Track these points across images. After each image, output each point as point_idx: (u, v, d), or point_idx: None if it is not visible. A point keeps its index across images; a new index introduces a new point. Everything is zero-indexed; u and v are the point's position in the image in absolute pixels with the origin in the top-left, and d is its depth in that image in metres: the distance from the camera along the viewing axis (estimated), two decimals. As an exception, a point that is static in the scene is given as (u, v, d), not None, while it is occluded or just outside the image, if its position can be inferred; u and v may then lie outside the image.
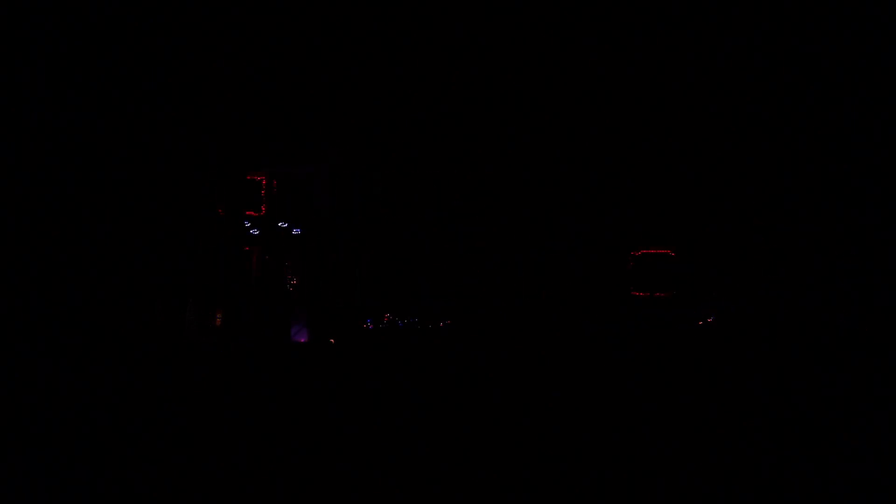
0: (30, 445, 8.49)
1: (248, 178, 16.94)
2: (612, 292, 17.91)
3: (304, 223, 17.93)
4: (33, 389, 12.08)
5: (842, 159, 17.07)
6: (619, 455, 8.46)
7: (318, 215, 17.82)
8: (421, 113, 18.33)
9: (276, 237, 17.86)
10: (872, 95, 16.92)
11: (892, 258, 16.66)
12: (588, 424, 10.21)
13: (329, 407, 11.48)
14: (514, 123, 18.24)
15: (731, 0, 17.35)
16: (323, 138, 18.20)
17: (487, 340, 16.99)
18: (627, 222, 18.13)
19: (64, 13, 16.54)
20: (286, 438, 9.22)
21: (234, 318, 16.99)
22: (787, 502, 7.00)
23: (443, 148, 18.40)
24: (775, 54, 17.38)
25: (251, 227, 17.74)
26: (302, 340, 17.59)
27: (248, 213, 17.89)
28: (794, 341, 16.24)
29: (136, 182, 17.26)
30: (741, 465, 8.02)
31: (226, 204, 17.75)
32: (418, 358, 16.16)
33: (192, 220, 17.52)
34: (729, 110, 17.77)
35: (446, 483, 7.35)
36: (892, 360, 14.88)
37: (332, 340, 17.45)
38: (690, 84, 17.75)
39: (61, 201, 16.64)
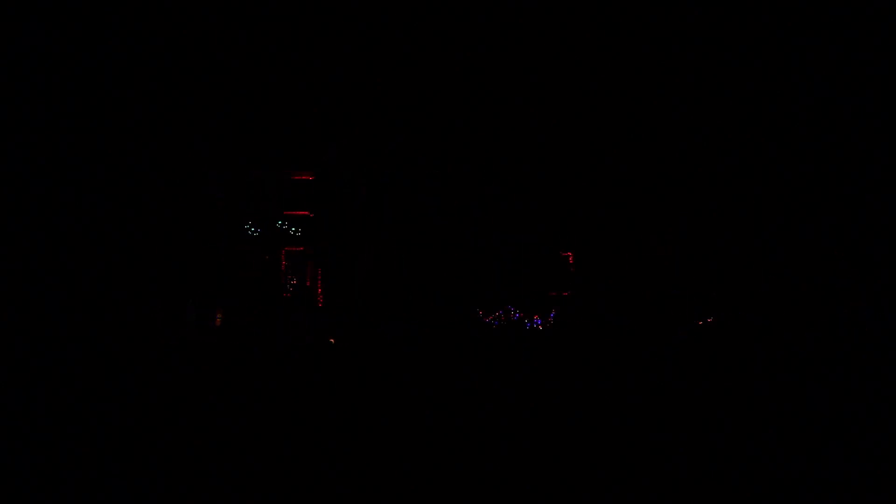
0: (28, 445, 8.46)
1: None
2: (614, 291, 17.91)
3: (304, 223, 17.94)
4: (31, 389, 12.05)
5: (846, 158, 17.06)
6: (620, 455, 8.44)
7: (318, 215, 17.82)
8: (421, 113, 18.31)
9: (276, 237, 17.86)
10: (872, 95, 16.92)
11: (893, 258, 16.65)
12: (593, 425, 10.18)
13: (329, 407, 11.45)
14: (516, 123, 18.23)
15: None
16: (324, 138, 18.18)
17: (489, 340, 16.98)
18: (629, 221, 18.11)
19: (65, 13, 16.52)
20: (286, 438, 9.19)
21: (234, 318, 16.97)
22: (791, 502, 6.98)
23: (443, 148, 18.39)
24: (775, 53, 17.38)
25: (252, 227, 17.72)
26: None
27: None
28: (794, 341, 16.23)
29: (137, 182, 17.24)
30: (744, 466, 8.00)
31: (226, 204, 17.73)
32: (420, 358, 16.14)
33: (193, 220, 17.51)
34: (729, 109, 17.76)
35: (450, 484, 7.33)
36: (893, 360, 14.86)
37: (331, 340, 17.44)
38: (693, 83, 17.74)
39: (61, 201, 16.62)
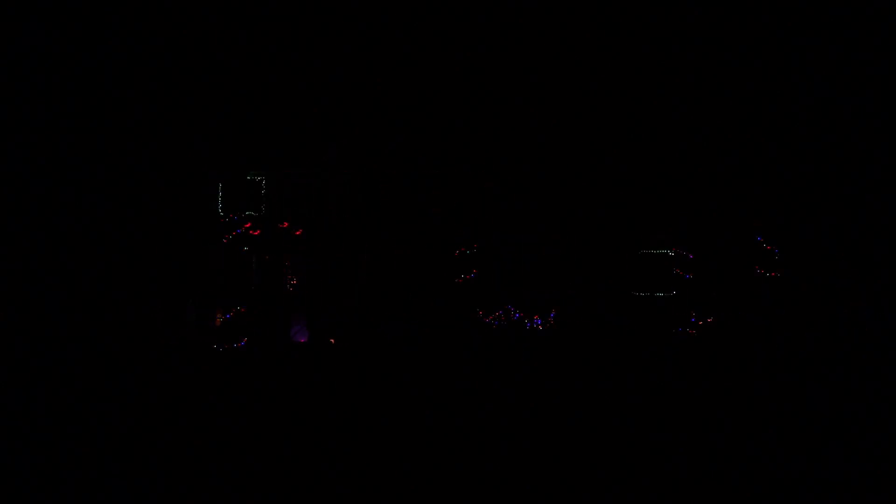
0: (29, 445, 8.46)
1: None
2: (614, 292, 17.90)
3: (305, 223, 17.92)
4: (32, 389, 12.06)
5: (846, 158, 17.06)
6: (620, 455, 8.44)
7: (318, 215, 17.81)
8: (421, 113, 18.31)
9: (277, 237, 17.84)
10: (872, 95, 16.93)
11: (893, 258, 16.65)
12: (593, 425, 10.18)
13: (329, 407, 11.46)
14: (516, 123, 18.23)
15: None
16: (324, 138, 18.18)
17: (489, 340, 16.98)
18: (630, 221, 18.10)
19: (65, 13, 16.53)
20: (286, 438, 9.19)
21: (234, 318, 16.96)
22: (791, 502, 6.98)
23: (443, 148, 18.38)
24: (775, 53, 17.39)
25: (252, 227, 17.71)
26: (302, 340, 17.56)
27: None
28: (794, 341, 16.24)
29: (136, 182, 17.24)
30: (744, 466, 8.00)
31: (226, 204, 17.72)
32: (420, 358, 16.14)
33: (193, 221, 17.50)
34: (728, 108, 17.76)
35: (450, 484, 7.33)
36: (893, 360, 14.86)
37: (332, 340, 17.44)
38: (690, 81, 17.73)
39: (61, 201, 16.63)
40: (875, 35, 16.80)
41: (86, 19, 16.73)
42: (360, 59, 18.18)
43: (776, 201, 17.31)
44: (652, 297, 17.97)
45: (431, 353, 16.53)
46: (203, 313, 17.42)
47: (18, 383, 12.41)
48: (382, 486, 7.08)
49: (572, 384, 13.38)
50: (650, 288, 18.08)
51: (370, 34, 18.04)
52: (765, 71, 17.57)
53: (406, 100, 18.47)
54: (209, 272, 17.34)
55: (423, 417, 10.19)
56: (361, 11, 17.87)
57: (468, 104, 18.40)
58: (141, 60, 17.18)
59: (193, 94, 17.62)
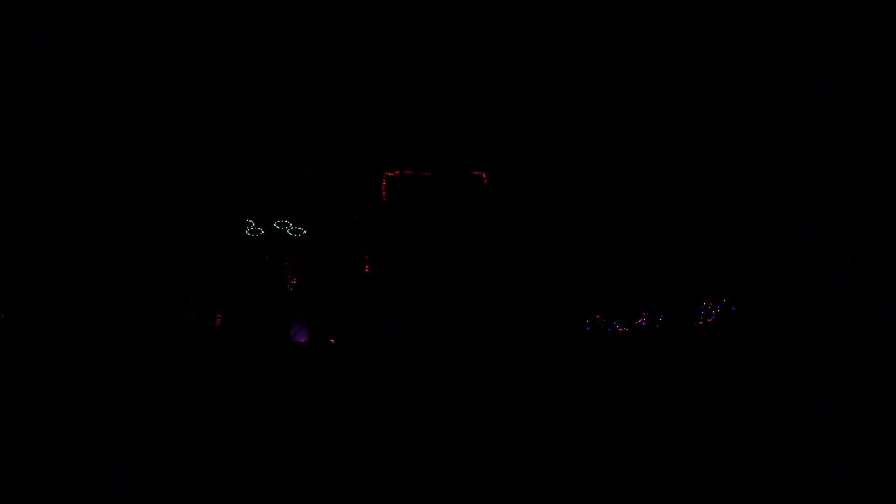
0: (28, 445, 8.46)
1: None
2: (611, 290, 17.90)
3: (304, 223, 17.91)
4: (31, 389, 12.06)
5: (846, 158, 17.06)
6: (620, 455, 8.43)
7: (318, 215, 17.80)
8: (421, 113, 18.30)
9: (277, 237, 17.83)
10: (872, 95, 16.93)
11: (893, 258, 16.65)
12: (593, 425, 10.18)
13: (329, 407, 11.45)
14: (516, 123, 18.22)
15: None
16: (324, 138, 18.17)
17: (491, 341, 16.97)
18: (629, 221, 18.10)
19: (65, 13, 16.53)
20: (286, 438, 9.19)
21: (234, 318, 16.95)
22: (791, 502, 6.98)
23: (443, 148, 18.38)
24: (775, 53, 17.39)
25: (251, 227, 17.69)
26: (302, 340, 17.56)
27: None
28: (794, 341, 16.23)
29: (136, 181, 17.24)
30: (744, 466, 8.00)
31: (226, 204, 17.71)
32: (420, 358, 16.14)
33: (193, 220, 17.50)
34: (729, 109, 17.76)
35: (450, 484, 7.33)
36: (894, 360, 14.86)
37: (332, 340, 17.43)
38: (693, 83, 17.73)
39: (61, 201, 16.63)
40: (875, 35, 16.81)
41: (86, 19, 16.73)
42: (360, 59, 18.18)
43: (776, 201, 17.32)
44: (651, 296, 17.99)
45: (431, 353, 16.52)
46: (203, 313, 17.42)
47: (18, 383, 12.41)
48: (382, 486, 7.07)
49: (572, 384, 13.37)
50: (650, 288, 18.10)
51: (370, 34, 18.04)
52: (765, 71, 17.58)
53: (406, 100, 18.48)
54: (209, 272, 17.34)
55: (423, 417, 10.19)
56: (361, 11, 17.88)
57: (468, 104, 18.41)
58: (141, 60, 17.18)
59: (193, 93, 17.61)
